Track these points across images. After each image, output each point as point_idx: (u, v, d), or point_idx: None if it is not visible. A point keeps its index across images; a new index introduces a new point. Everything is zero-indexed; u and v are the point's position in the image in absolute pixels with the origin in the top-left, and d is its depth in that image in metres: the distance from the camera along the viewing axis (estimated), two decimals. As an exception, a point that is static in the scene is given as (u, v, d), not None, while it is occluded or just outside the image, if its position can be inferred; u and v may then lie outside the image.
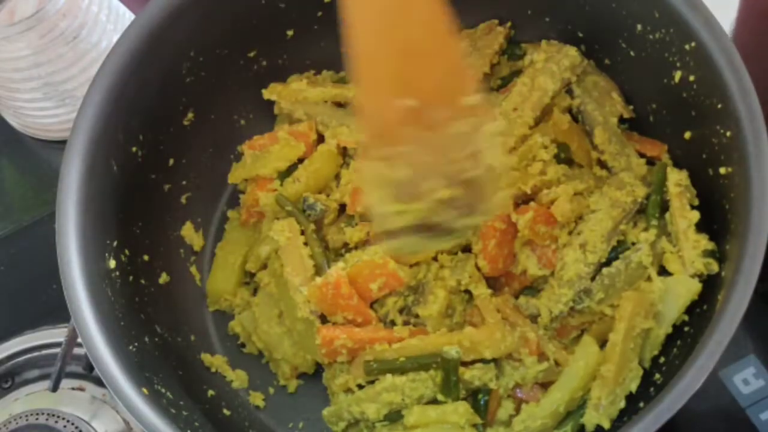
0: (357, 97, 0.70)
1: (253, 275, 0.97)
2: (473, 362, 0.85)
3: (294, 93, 0.98)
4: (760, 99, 0.77)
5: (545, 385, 0.84)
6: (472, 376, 0.84)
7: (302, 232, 0.93)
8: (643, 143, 0.92)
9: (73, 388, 0.98)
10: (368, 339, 0.87)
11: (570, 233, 0.87)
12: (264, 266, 0.95)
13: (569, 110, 0.93)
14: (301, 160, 0.97)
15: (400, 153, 0.70)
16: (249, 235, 0.98)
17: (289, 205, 0.94)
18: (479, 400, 0.85)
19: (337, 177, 0.96)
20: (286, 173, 0.96)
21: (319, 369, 0.93)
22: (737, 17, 1.07)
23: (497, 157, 0.72)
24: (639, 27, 0.86)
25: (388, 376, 0.85)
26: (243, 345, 0.96)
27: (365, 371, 0.86)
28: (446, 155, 0.71)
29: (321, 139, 0.98)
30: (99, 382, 0.97)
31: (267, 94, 0.99)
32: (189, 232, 0.99)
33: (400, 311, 0.89)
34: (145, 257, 0.93)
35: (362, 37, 0.67)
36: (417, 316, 0.88)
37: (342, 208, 0.95)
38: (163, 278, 0.95)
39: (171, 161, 0.96)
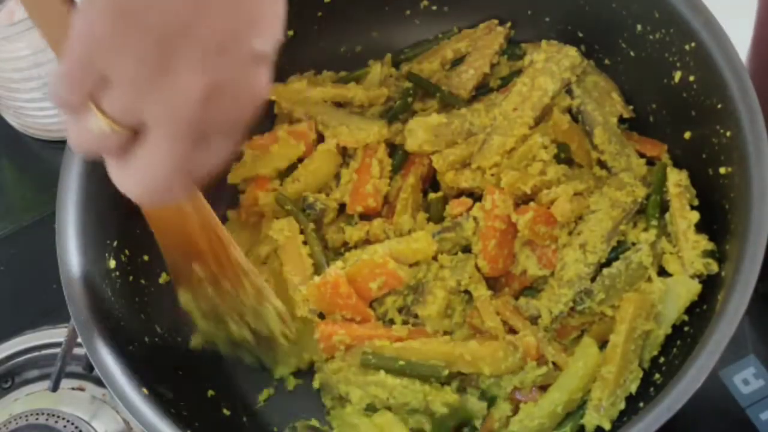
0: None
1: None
2: (469, 379, 0.86)
3: (294, 93, 0.98)
4: (761, 99, 0.77)
5: (544, 388, 0.84)
6: (462, 408, 0.84)
7: (301, 232, 0.93)
8: (643, 143, 0.92)
9: (73, 388, 0.98)
10: (367, 336, 0.87)
11: (570, 233, 0.87)
12: (263, 263, 0.95)
13: (569, 110, 0.93)
14: (300, 160, 0.96)
15: (203, 295, 0.83)
16: (249, 236, 0.98)
17: (289, 204, 0.94)
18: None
19: (337, 177, 0.96)
20: (285, 173, 0.96)
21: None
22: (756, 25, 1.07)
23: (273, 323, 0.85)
24: (639, 27, 0.86)
25: (382, 372, 0.85)
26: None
27: (362, 362, 0.86)
28: (235, 307, 0.84)
29: (321, 138, 0.97)
30: (99, 382, 0.96)
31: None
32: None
33: (399, 311, 0.89)
34: (145, 257, 0.92)
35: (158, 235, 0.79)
36: (416, 316, 0.88)
37: (341, 207, 0.95)
38: (164, 278, 0.94)
39: (171, 161, 0.96)
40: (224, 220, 1.00)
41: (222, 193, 1.00)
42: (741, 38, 0.85)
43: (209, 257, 0.80)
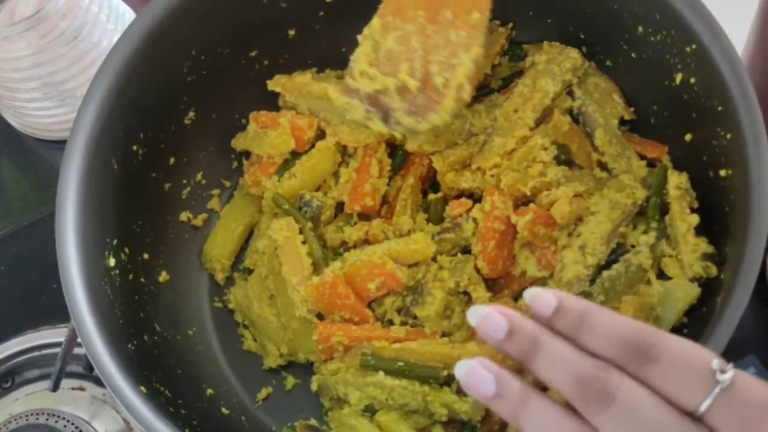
0: None
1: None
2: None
3: (298, 86, 0.98)
4: (761, 101, 0.77)
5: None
6: (461, 409, 0.84)
7: (301, 231, 0.93)
8: (643, 145, 0.91)
9: (73, 388, 0.98)
10: (365, 337, 0.87)
11: (569, 235, 0.87)
12: (263, 253, 0.96)
13: (570, 112, 0.93)
14: (299, 156, 0.97)
15: (402, 28, 0.86)
16: (254, 207, 0.99)
17: (285, 203, 0.94)
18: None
19: (336, 176, 0.96)
20: (284, 168, 0.96)
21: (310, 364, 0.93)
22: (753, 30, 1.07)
23: (461, 77, 0.84)
24: (640, 29, 0.86)
25: (381, 373, 0.85)
26: (242, 343, 0.96)
27: (360, 363, 0.86)
28: (430, 51, 0.85)
29: (322, 135, 0.98)
30: (99, 382, 0.97)
31: (272, 85, 0.99)
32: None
33: (398, 311, 0.89)
34: (145, 256, 0.93)
35: None
36: (415, 317, 0.88)
37: (340, 207, 0.95)
38: (163, 277, 0.95)
39: (172, 160, 0.96)
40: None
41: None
42: (741, 40, 0.85)
43: None
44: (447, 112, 0.85)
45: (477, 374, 0.63)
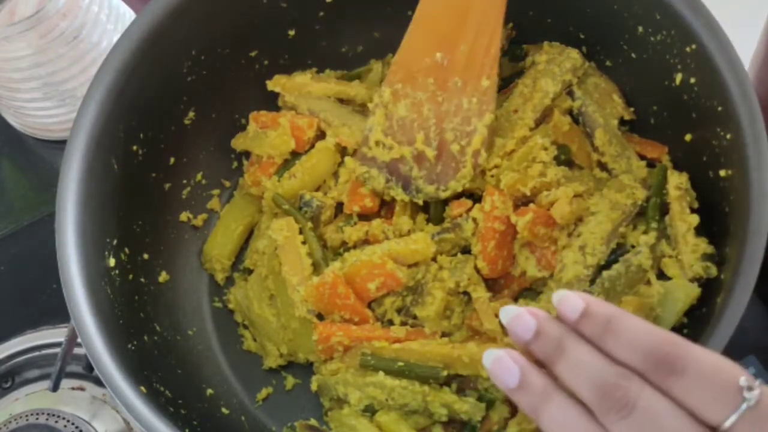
0: (402, 47, 0.89)
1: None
2: (467, 381, 0.86)
3: (298, 86, 0.99)
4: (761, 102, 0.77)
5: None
6: (461, 409, 0.84)
7: (301, 232, 0.93)
8: (643, 145, 0.91)
9: (73, 388, 0.98)
10: (365, 337, 0.87)
11: (569, 235, 0.87)
12: (262, 253, 0.96)
13: (570, 112, 0.93)
14: (298, 156, 0.97)
15: (412, 96, 0.89)
16: (254, 207, 0.99)
17: (285, 203, 0.94)
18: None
19: (336, 176, 0.97)
20: (284, 168, 0.96)
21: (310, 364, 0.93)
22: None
23: (477, 144, 0.88)
24: (640, 29, 0.86)
25: (381, 373, 0.85)
26: (242, 343, 0.96)
27: (360, 363, 0.86)
28: (442, 118, 0.89)
29: (322, 135, 0.98)
30: (99, 382, 0.96)
31: (271, 85, 0.99)
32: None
33: (398, 311, 0.89)
34: (145, 256, 0.93)
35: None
36: (415, 317, 0.88)
37: (339, 207, 0.95)
38: (163, 277, 0.95)
39: (172, 160, 0.96)
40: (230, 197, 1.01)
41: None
42: (742, 40, 0.85)
43: (465, 41, 0.87)
44: (466, 179, 0.89)
45: (503, 364, 0.64)
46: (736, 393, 0.58)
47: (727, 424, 0.57)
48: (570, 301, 0.64)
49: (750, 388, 0.58)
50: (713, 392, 0.58)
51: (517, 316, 0.65)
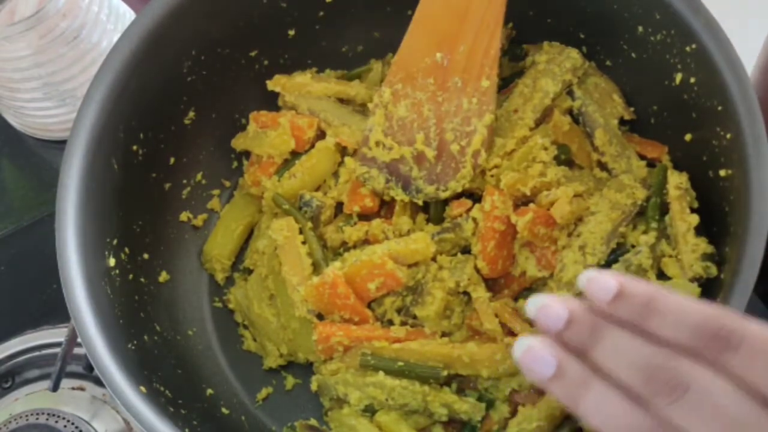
0: (402, 47, 0.89)
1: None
2: (467, 381, 0.86)
3: (298, 86, 0.99)
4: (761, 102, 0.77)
5: (542, 391, 0.84)
6: (461, 409, 0.84)
7: (301, 231, 0.93)
8: (643, 145, 0.91)
9: (73, 388, 0.98)
10: (365, 337, 0.87)
11: (569, 235, 0.87)
12: (262, 253, 0.96)
13: (570, 112, 0.93)
14: (298, 156, 0.97)
15: (412, 96, 0.89)
16: (254, 207, 0.99)
17: (285, 203, 0.94)
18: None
19: (336, 176, 0.97)
20: (284, 168, 0.97)
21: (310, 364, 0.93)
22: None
23: (477, 144, 0.88)
24: (640, 29, 0.86)
25: (381, 373, 0.85)
26: (242, 343, 0.96)
27: (360, 363, 0.86)
28: (442, 119, 0.89)
29: (322, 135, 0.98)
30: (99, 382, 0.96)
31: (271, 85, 0.99)
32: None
33: (398, 311, 0.89)
34: (145, 255, 0.93)
35: None
36: (415, 317, 0.88)
37: (339, 207, 0.95)
38: (163, 277, 0.95)
39: (172, 160, 0.96)
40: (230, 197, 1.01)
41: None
42: (741, 40, 0.85)
43: (465, 41, 0.86)
44: (466, 179, 0.89)
45: (535, 353, 0.59)
46: None
47: None
48: (601, 282, 0.58)
49: None
50: None
51: (546, 306, 0.60)
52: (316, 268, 0.91)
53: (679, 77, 0.84)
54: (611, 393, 0.57)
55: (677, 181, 0.85)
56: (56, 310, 0.94)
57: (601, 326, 0.58)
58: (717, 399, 0.54)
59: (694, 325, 0.56)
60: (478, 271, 0.88)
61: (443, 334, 0.88)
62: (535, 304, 0.60)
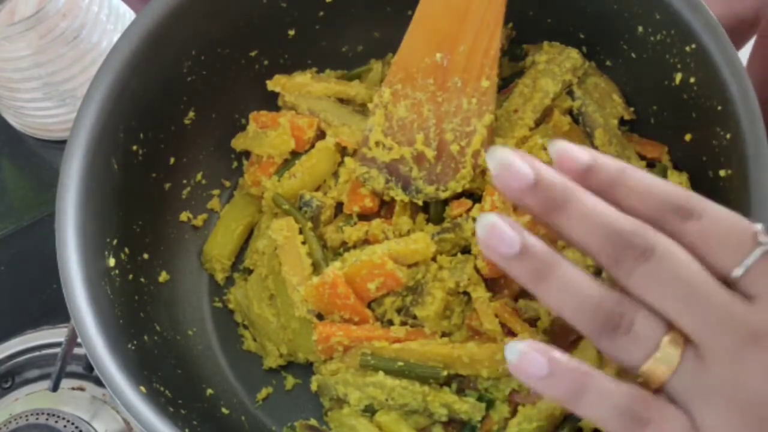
0: (402, 47, 0.89)
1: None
2: (467, 381, 0.86)
3: (298, 86, 0.99)
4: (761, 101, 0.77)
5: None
6: (461, 409, 0.84)
7: (301, 231, 0.93)
8: (643, 145, 0.91)
9: (73, 388, 0.98)
10: (365, 337, 0.87)
11: (570, 235, 0.87)
12: (262, 253, 0.96)
13: (570, 112, 0.93)
14: (298, 156, 0.97)
15: (412, 96, 0.89)
16: (254, 207, 0.99)
17: (285, 203, 0.94)
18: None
19: (336, 176, 0.97)
20: (284, 168, 0.97)
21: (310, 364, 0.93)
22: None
23: (477, 145, 0.88)
24: (640, 29, 0.86)
25: (381, 373, 0.85)
26: (242, 343, 0.96)
27: (360, 363, 0.86)
28: (442, 119, 0.88)
29: (322, 135, 0.98)
30: (99, 382, 0.97)
31: (271, 85, 0.99)
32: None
33: (398, 311, 0.89)
34: (145, 255, 0.93)
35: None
36: (415, 317, 0.88)
37: (339, 207, 0.95)
38: (163, 277, 0.95)
39: (172, 160, 0.96)
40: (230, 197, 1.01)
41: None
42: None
43: (465, 41, 0.86)
44: (465, 179, 0.89)
45: (499, 230, 0.57)
46: (752, 239, 0.56)
47: (740, 270, 0.55)
48: (573, 153, 0.58)
49: (765, 234, 0.56)
50: (730, 238, 0.56)
51: (509, 163, 0.57)
52: (316, 268, 0.91)
53: (679, 77, 0.84)
54: (576, 271, 0.57)
55: (677, 181, 0.85)
56: (56, 310, 0.94)
57: (569, 189, 0.57)
58: (679, 264, 0.55)
59: (660, 197, 0.57)
60: (478, 271, 0.88)
61: (443, 334, 0.88)
62: (495, 158, 0.58)
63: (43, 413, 0.93)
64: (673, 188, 0.58)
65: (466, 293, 0.89)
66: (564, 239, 0.59)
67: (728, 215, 0.58)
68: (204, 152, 1.00)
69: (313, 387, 0.90)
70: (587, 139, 0.92)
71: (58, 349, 0.93)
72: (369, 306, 0.90)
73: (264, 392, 0.93)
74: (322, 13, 0.98)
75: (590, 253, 0.57)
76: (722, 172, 0.81)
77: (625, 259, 0.56)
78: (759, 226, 0.57)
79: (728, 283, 0.57)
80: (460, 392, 0.86)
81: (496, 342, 0.85)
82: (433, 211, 0.92)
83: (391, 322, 0.89)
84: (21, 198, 1.13)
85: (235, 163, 1.02)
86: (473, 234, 0.89)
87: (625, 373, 0.58)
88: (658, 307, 0.57)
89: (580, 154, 0.58)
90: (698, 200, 0.58)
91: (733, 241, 0.56)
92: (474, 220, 0.89)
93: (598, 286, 0.57)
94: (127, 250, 0.89)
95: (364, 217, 0.94)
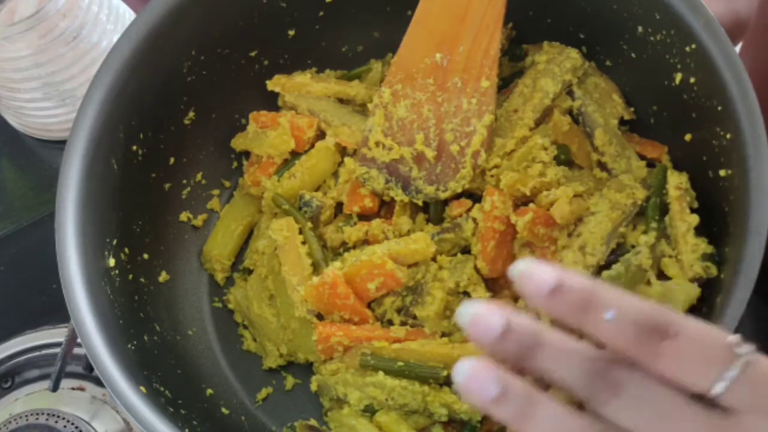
0: (402, 47, 0.90)
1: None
2: None
3: (298, 86, 0.99)
4: (760, 101, 0.77)
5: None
6: (461, 409, 0.84)
7: (300, 231, 0.93)
8: (643, 145, 0.91)
9: (73, 388, 0.98)
10: (365, 337, 0.87)
11: (569, 235, 0.87)
12: (262, 253, 0.96)
13: (570, 112, 0.93)
14: (298, 156, 0.97)
15: (412, 96, 0.90)
16: (254, 207, 0.99)
17: (285, 203, 0.94)
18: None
19: (335, 176, 0.97)
20: (284, 168, 0.97)
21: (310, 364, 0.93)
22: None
23: (477, 145, 0.88)
24: (640, 29, 0.86)
25: (381, 373, 0.85)
26: (242, 343, 0.96)
27: (360, 363, 0.86)
28: (442, 119, 0.89)
29: (322, 135, 0.98)
30: (99, 382, 0.96)
31: (271, 85, 0.99)
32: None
33: (398, 311, 0.89)
34: (145, 255, 0.93)
35: None
36: (415, 317, 0.88)
37: (339, 207, 0.95)
38: (163, 277, 0.95)
39: (172, 160, 0.96)
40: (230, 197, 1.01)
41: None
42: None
43: (465, 42, 0.87)
44: (465, 179, 0.89)
45: (479, 376, 0.56)
46: (728, 351, 0.55)
47: (721, 386, 0.55)
48: (536, 277, 0.56)
49: (739, 345, 0.55)
50: (708, 354, 0.55)
51: (477, 315, 0.57)
52: (316, 268, 0.91)
53: (678, 77, 0.84)
54: (555, 406, 0.57)
55: (677, 181, 0.85)
56: (56, 310, 0.94)
57: (541, 330, 0.57)
58: (649, 395, 0.56)
59: (633, 320, 0.56)
60: (478, 271, 0.88)
61: (443, 334, 0.88)
62: (463, 315, 0.58)
63: (43, 413, 0.93)
64: (647, 307, 0.57)
65: (466, 293, 0.89)
66: (545, 379, 0.59)
67: (704, 331, 0.57)
68: (204, 152, 1.00)
69: (313, 387, 0.90)
70: (587, 138, 0.92)
71: (58, 349, 0.93)
72: (369, 306, 0.90)
73: (264, 392, 0.93)
74: (322, 13, 0.98)
75: (569, 389, 0.58)
76: (722, 172, 0.81)
77: (599, 393, 0.56)
78: (733, 338, 0.56)
79: (707, 398, 0.56)
80: None
81: None
82: (433, 211, 0.92)
83: (391, 322, 0.89)
84: (21, 198, 1.13)
85: (235, 163, 1.02)
86: (473, 234, 0.89)
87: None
88: None
89: (544, 276, 0.56)
90: (673, 317, 0.56)
91: (711, 357, 0.56)
92: (474, 220, 0.89)
93: (579, 416, 0.57)
94: (127, 250, 0.90)
95: (364, 217, 0.94)
